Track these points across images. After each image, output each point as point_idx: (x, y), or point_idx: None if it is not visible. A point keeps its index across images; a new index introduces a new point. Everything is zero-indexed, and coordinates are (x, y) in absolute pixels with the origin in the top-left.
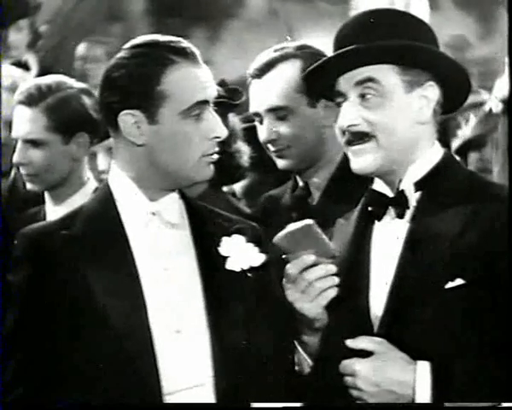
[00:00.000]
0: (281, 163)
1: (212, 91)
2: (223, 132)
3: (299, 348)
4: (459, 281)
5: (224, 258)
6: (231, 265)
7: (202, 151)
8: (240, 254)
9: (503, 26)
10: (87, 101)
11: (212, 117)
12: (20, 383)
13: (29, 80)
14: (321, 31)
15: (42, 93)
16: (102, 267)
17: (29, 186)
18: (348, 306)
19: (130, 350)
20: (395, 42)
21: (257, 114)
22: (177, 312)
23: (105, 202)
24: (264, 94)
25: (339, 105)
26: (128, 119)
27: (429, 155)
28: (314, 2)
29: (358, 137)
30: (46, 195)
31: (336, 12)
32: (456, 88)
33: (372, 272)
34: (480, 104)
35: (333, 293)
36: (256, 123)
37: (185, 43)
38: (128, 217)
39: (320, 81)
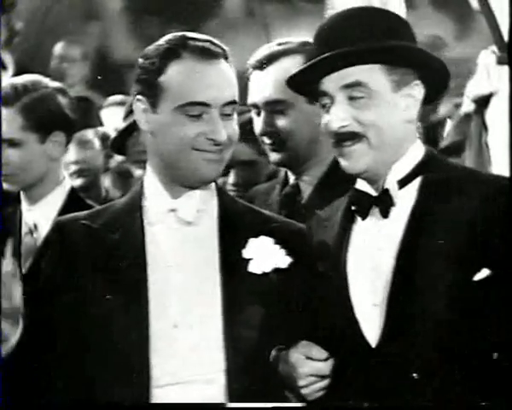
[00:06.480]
0: (274, 157)
1: (218, 94)
2: (221, 137)
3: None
4: (486, 271)
5: (247, 260)
6: (254, 267)
7: (193, 145)
8: (264, 256)
9: (479, 27)
10: (62, 100)
11: (212, 121)
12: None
13: (5, 80)
14: (298, 30)
15: (17, 93)
16: (113, 262)
17: (5, 186)
18: (331, 310)
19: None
20: (382, 43)
21: (255, 106)
22: (177, 306)
23: (134, 197)
24: (263, 86)
25: (324, 106)
26: (138, 104)
27: (412, 153)
28: (291, 2)
29: (348, 138)
30: (22, 194)
31: (313, 10)
32: (437, 86)
33: (350, 272)
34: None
35: (320, 393)
36: (253, 115)
37: (201, 41)
38: (149, 212)
39: (305, 83)
